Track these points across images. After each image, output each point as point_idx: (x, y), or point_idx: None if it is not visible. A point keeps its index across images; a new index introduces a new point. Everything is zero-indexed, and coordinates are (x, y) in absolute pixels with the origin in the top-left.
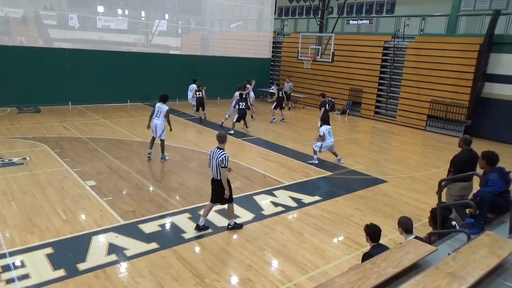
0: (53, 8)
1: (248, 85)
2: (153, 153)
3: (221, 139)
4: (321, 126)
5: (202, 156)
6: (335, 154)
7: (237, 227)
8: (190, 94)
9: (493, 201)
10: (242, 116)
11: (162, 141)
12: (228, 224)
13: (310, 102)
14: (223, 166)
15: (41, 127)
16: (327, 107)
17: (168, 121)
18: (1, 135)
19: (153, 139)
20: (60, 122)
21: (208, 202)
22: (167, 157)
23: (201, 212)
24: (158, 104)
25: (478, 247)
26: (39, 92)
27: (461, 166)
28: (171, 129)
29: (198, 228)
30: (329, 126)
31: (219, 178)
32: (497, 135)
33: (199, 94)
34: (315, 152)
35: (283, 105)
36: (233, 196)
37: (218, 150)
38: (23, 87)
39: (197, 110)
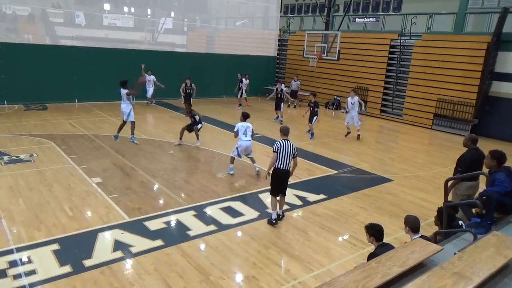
0: (60, 6)
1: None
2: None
3: (287, 132)
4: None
5: (207, 154)
6: (252, 160)
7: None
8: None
9: (500, 201)
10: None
11: (132, 122)
12: (279, 215)
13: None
14: (297, 155)
15: (48, 124)
16: (315, 108)
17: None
18: (8, 132)
19: (123, 123)
20: (66, 119)
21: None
22: (135, 141)
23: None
24: (121, 90)
25: (484, 247)
26: (46, 89)
27: (469, 165)
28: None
29: (275, 222)
30: (245, 123)
31: (289, 168)
32: (504, 134)
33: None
34: (232, 161)
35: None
36: (239, 194)
37: (288, 141)
38: (30, 85)
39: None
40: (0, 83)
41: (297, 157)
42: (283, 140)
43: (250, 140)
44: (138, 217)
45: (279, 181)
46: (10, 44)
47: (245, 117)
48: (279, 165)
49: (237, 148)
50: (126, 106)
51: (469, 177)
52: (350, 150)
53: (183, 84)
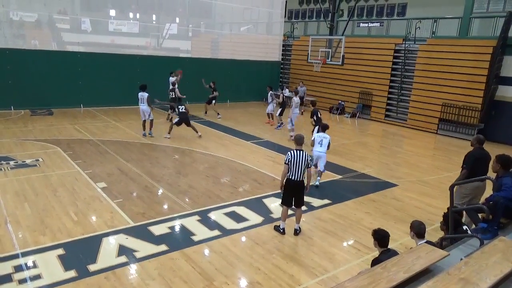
0: (66, 12)
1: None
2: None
3: (301, 141)
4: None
5: (212, 159)
6: (319, 173)
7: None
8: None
9: (507, 206)
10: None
11: (151, 120)
12: (296, 230)
13: (319, 106)
14: (311, 165)
15: (53, 129)
16: (318, 115)
17: (149, 105)
18: (15, 137)
19: (144, 122)
20: (72, 124)
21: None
22: (153, 135)
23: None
24: (140, 93)
25: (491, 252)
26: (52, 94)
27: (474, 163)
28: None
29: (283, 231)
30: (322, 134)
31: (303, 179)
32: (511, 139)
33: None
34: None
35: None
36: (243, 199)
37: (301, 152)
38: (37, 90)
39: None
40: (7, 89)
41: (312, 167)
42: (295, 151)
43: (323, 152)
44: (143, 222)
45: (291, 192)
46: (17, 50)
47: (323, 128)
48: (291, 176)
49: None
50: (147, 108)
51: (474, 181)
52: (354, 155)
53: None
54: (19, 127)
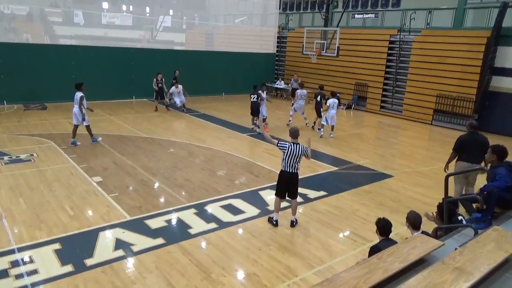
0: (58, 5)
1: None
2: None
3: (296, 135)
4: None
5: (208, 152)
6: (332, 128)
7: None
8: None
9: (501, 196)
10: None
11: (87, 126)
12: (292, 222)
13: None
14: (308, 155)
15: (47, 124)
16: (318, 99)
17: (83, 106)
18: (8, 132)
19: (75, 127)
20: (66, 118)
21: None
22: (99, 139)
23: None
24: (75, 93)
25: (485, 242)
26: (45, 89)
27: (459, 145)
28: (92, 110)
29: (276, 223)
30: (333, 99)
31: (296, 171)
32: (505, 129)
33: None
34: (322, 126)
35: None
36: (239, 191)
37: (298, 145)
38: (30, 84)
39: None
40: None
41: (308, 156)
42: (292, 144)
43: (334, 112)
44: (139, 215)
45: (284, 184)
46: (9, 44)
47: (333, 94)
48: (284, 168)
49: (326, 117)
50: (78, 110)
51: (469, 171)
52: (350, 146)
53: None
54: (12, 122)
